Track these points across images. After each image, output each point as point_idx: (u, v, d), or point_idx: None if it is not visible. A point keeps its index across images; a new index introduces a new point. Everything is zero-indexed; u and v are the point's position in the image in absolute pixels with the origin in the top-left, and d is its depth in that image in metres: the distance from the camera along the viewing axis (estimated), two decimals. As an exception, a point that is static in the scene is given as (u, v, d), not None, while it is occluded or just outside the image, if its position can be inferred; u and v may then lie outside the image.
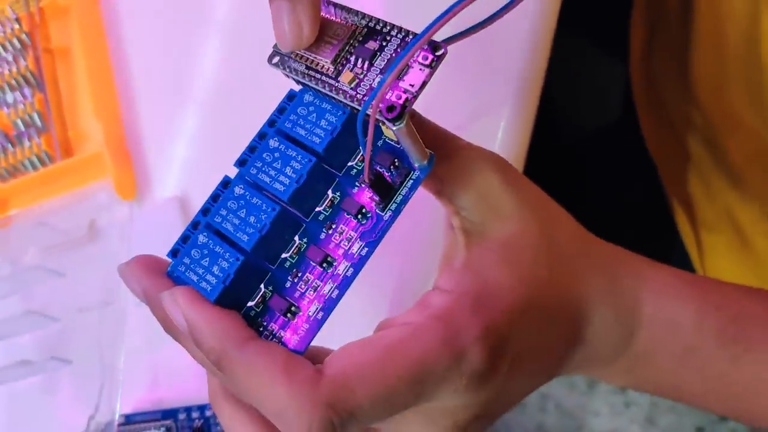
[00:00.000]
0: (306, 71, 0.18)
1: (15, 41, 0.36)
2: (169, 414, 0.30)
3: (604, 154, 0.52)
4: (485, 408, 0.19)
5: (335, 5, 0.18)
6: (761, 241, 0.42)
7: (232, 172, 0.19)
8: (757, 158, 0.39)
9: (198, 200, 0.19)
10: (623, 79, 0.51)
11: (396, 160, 0.18)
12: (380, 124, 0.17)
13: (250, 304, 0.18)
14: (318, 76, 0.18)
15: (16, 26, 0.36)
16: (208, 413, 0.30)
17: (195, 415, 0.30)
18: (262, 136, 0.19)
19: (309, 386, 0.16)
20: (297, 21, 0.17)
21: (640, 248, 0.23)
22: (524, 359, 0.20)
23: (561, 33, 0.33)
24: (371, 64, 0.17)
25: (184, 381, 0.31)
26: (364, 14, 0.18)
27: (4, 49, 0.36)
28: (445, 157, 0.20)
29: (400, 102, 0.16)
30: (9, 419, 0.32)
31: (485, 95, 0.28)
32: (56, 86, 0.36)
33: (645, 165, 0.49)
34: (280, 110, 0.19)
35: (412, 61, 0.17)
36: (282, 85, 0.20)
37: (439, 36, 0.16)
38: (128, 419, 0.30)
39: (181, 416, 0.30)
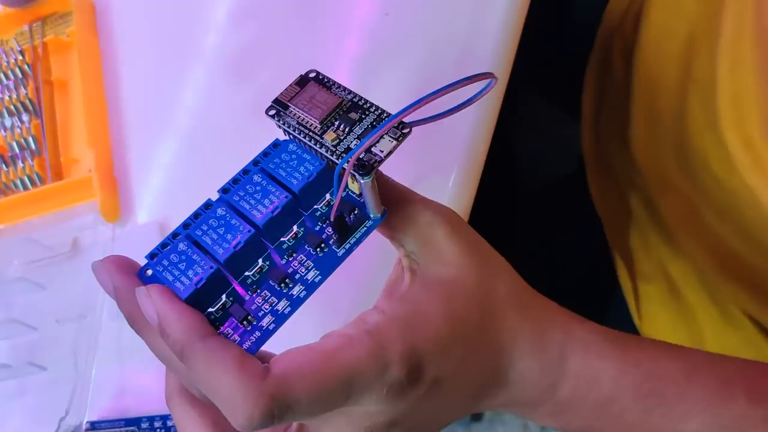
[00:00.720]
0: (297, 125, 0.22)
1: (17, 71, 0.39)
2: (132, 422, 0.32)
3: (555, 207, 0.56)
4: (400, 418, 0.22)
5: (330, 81, 0.22)
6: (691, 294, 0.46)
7: (214, 197, 0.22)
8: (686, 218, 0.43)
9: (176, 225, 0.22)
10: (577, 137, 0.55)
11: (356, 208, 0.22)
12: (351, 177, 0.21)
13: (210, 309, 0.21)
14: (306, 131, 0.21)
15: (20, 57, 0.39)
16: (169, 423, 0.33)
17: (157, 424, 0.33)
18: (245, 171, 0.22)
19: (257, 379, 0.19)
20: None
21: (584, 295, 0.26)
22: (443, 385, 0.23)
23: (523, 92, 0.37)
24: (351, 130, 0.21)
25: (149, 392, 0.33)
26: (351, 90, 0.22)
27: (6, 77, 0.39)
28: (399, 208, 0.23)
29: (370, 162, 0.20)
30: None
31: (439, 152, 0.32)
32: (53, 115, 0.39)
33: (592, 218, 0.54)
34: (265, 154, 0.22)
35: (392, 135, 0.20)
36: (258, 127, 0.24)
37: (408, 118, 0.20)
38: (93, 425, 0.33)
39: (144, 425, 0.33)
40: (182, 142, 0.38)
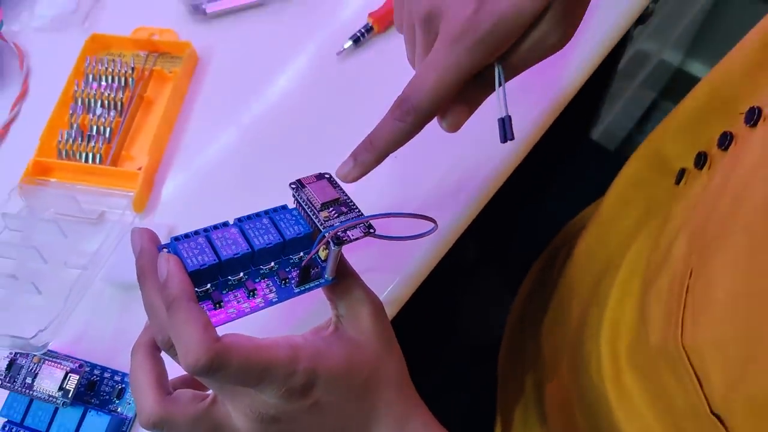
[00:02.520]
0: (306, 200, 0.33)
1: (123, 80, 0.51)
2: (83, 367, 0.40)
3: (464, 356, 0.66)
4: (282, 418, 0.31)
5: (337, 183, 0.34)
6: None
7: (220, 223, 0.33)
8: (562, 408, 0.51)
9: (181, 231, 0.31)
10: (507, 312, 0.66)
11: (318, 268, 0.32)
12: (326, 244, 0.31)
13: (197, 289, 0.30)
14: (309, 206, 0.32)
15: (129, 71, 0.51)
16: (108, 375, 0.40)
17: (106, 375, 0.40)
18: (258, 214, 0.33)
19: (211, 340, 0.28)
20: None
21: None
22: (322, 409, 0.31)
23: (485, 260, 0.47)
24: (338, 217, 0.32)
25: (107, 348, 0.41)
26: (347, 194, 0.33)
27: (113, 80, 0.51)
28: (345, 282, 0.34)
29: (342, 239, 0.31)
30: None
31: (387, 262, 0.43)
32: (132, 120, 0.51)
33: (493, 379, 0.63)
34: (275, 209, 0.33)
35: (357, 225, 0.31)
36: (274, 186, 0.35)
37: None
38: (51, 353, 0.41)
39: (96, 371, 0.40)
40: (212, 175, 0.49)
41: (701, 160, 0.40)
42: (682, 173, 0.43)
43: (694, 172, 0.41)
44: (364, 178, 0.35)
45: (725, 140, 0.37)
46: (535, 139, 0.47)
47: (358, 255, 0.35)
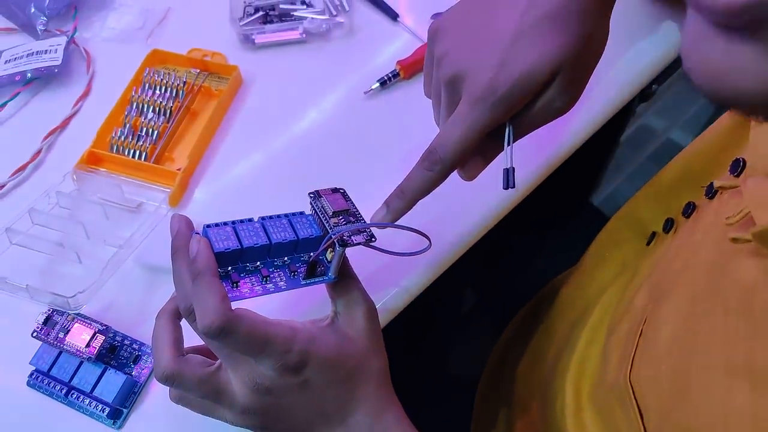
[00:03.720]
0: (320, 208, 0.39)
1: (174, 91, 0.58)
2: (108, 331, 0.46)
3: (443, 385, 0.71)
4: (274, 390, 0.36)
5: (349, 197, 0.40)
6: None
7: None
8: None
9: None
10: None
11: (323, 266, 0.38)
12: (332, 246, 0.37)
13: (219, 270, 0.36)
14: (323, 212, 0.38)
15: (181, 84, 0.59)
16: (135, 346, 0.46)
17: (126, 342, 0.46)
18: (279, 216, 0.39)
19: (226, 308, 0.33)
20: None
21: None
22: (309, 388, 0.36)
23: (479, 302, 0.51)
24: (346, 223, 0.38)
25: (131, 319, 0.47)
26: (356, 207, 0.39)
27: (167, 90, 0.58)
28: (345, 282, 0.39)
29: (347, 241, 0.37)
30: (17, 267, 0.47)
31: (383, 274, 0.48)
32: (177, 127, 0.57)
33: (469, 410, 0.67)
34: (293, 213, 0.39)
35: (361, 233, 0.37)
36: (295, 196, 0.41)
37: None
38: (83, 315, 0.46)
39: (118, 337, 0.46)
40: (241, 183, 0.55)
41: (669, 225, 0.46)
42: (653, 236, 0.49)
43: (662, 236, 0.47)
44: (375, 197, 0.41)
45: (689, 209, 0.43)
46: (529, 191, 0.54)
47: (362, 263, 0.41)
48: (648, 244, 0.49)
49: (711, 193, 0.39)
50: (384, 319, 0.47)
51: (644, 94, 0.68)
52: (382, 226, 0.40)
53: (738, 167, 0.35)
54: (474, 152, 0.40)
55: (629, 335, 0.40)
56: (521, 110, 0.39)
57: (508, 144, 0.39)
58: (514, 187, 0.40)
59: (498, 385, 0.66)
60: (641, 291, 0.43)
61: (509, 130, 0.39)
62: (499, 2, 0.38)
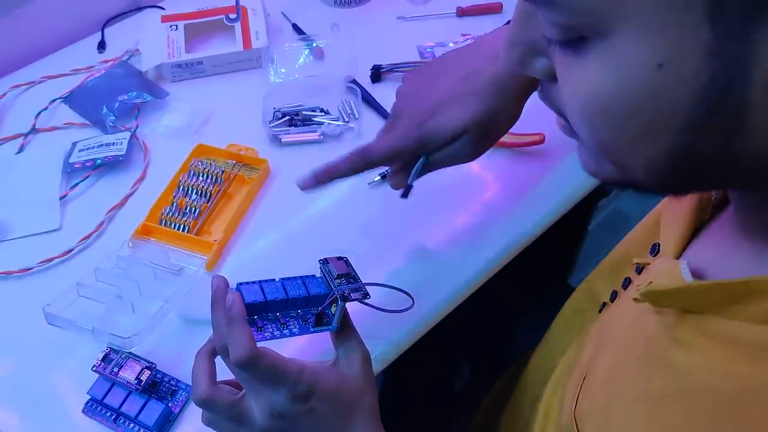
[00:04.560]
0: (327, 271, 0.50)
1: (214, 178, 0.72)
2: (153, 368, 0.56)
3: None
4: (286, 416, 0.45)
5: (351, 265, 0.51)
6: None
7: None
8: None
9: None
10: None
11: (328, 318, 0.49)
12: (335, 300, 0.48)
13: (248, 317, 0.47)
14: (329, 275, 0.50)
15: (220, 172, 0.72)
16: (167, 379, 0.56)
17: (165, 379, 0.56)
18: (295, 277, 0.50)
19: (252, 346, 0.44)
20: None
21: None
22: (314, 415, 0.46)
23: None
24: (347, 284, 0.49)
25: (174, 362, 0.58)
26: (356, 271, 0.50)
27: (208, 177, 0.72)
28: (345, 331, 0.50)
29: (347, 297, 0.48)
30: (83, 314, 0.59)
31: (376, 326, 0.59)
32: (215, 207, 0.70)
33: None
34: (307, 276, 0.51)
35: (359, 291, 0.49)
36: (309, 267, 0.52)
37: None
38: (134, 354, 0.57)
39: (159, 375, 0.56)
40: (265, 252, 0.67)
41: (613, 296, 0.56)
42: (603, 305, 0.59)
43: (609, 305, 0.58)
44: (371, 265, 0.53)
45: (626, 283, 0.54)
46: (507, 260, 0.65)
47: (360, 320, 0.52)
48: (600, 311, 0.60)
49: (639, 270, 0.50)
50: (376, 369, 0.57)
51: (603, 191, 0.80)
52: (371, 284, 0.51)
53: (655, 249, 0.46)
54: (399, 169, 0.57)
55: (578, 381, 0.50)
56: (437, 149, 0.54)
57: (416, 172, 0.54)
58: (406, 197, 0.57)
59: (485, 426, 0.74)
60: (588, 347, 0.53)
61: (423, 161, 0.54)
62: (441, 75, 0.54)
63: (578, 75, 0.27)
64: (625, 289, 0.54)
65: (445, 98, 0.52)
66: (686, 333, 0.35)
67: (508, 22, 0.57)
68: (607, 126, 0.27)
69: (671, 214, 0.44)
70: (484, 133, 0.53)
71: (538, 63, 0.32)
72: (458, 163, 0.55)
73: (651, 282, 0.41)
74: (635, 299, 0.41)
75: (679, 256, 0.41)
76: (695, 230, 0.41)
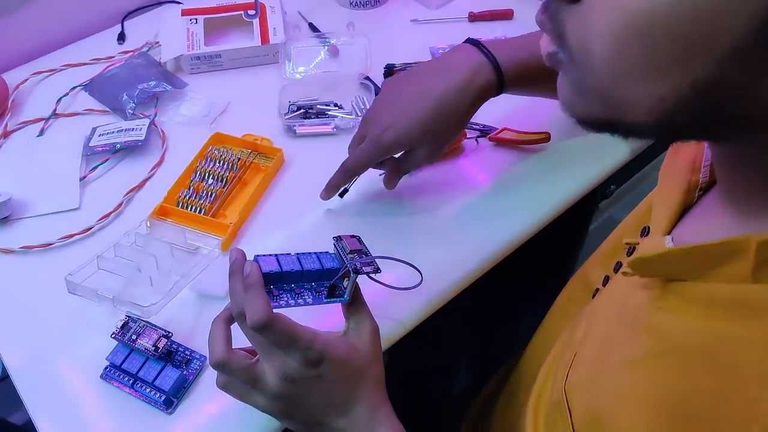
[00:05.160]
0: (341, 247, 0.53)
1: (230, 164, 0.74)
2: (169, 336, 0.58)
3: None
4: (297, 379, 0.47)
5: (362, 242, 0.54)
6: None
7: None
8: None
9: None
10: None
11: (340, 290, 0.52)
12: (347, 273, 0.51)
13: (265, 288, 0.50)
14: (342, 250, 0.52)
15: (236, 160, 0.75)
16: (182, 349, 0.58)
17: (180, 348, 0.59)
18: (310, 253, 0.52)
19: (268, 310, 0.46)
20: None
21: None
22: (324, 380, 0.49)
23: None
24: (359, 258, 0.52)
25: (187, 332, 0.60)
26: (368, 248, 0.53)
27: (225, 163, 0.74)
28: (356, 304, 0.52)
29: (359, 270, 0.50)
30: (103, 285, 0.61)
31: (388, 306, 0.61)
32: (231, 192, 0.73)
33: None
34: (321, 252, 0.53)
35: (370, 265, 0.51)
36: (319, 243, 0.55)
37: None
38: (151, 324, 0.59)
39: (174, 345, 0.59)
40: (278, 235, 0.69)
41: (605, 281, 0.59)
42: (596, 291, 0.62)
43: (602, 289, 0.60)
44: (381, 248, 0.55)
45: (617, 267, 0.56)
46: (513, 248, 0.67)
47: (370, 298, 0.54)
48: (593, 297, 0.62)
49: (630, 252, 0.53)
50: (384, 345, 0.59)
51: (604, 193, 0.83)
52: (382, 257, 0.53)
53: (645, 231, 0.49)
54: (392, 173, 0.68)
55: (569, 359, 0.52)
56: (403, 155, 0.65)
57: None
58: (342, 197, 0.70)
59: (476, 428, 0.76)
60: (580, 326, 0.56)
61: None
62: (401, 92, 0.64)
63: None
64: (615, 272, 0.57)
65: (400, 115, 0.62)
66: (669, 301, 0.37)
67: (470, 40, 0.65)
68: (642, 47, 0.27)
69: (660, 197, 0.47)
70: (434, 143, 0.64)
71: None
72: (418, 168, 0.67)
73: (639, 256, 0.44)
74: (623, 273, 0.43)
75: (667, 235, 0.44)
76: (683, 212, 0.44)
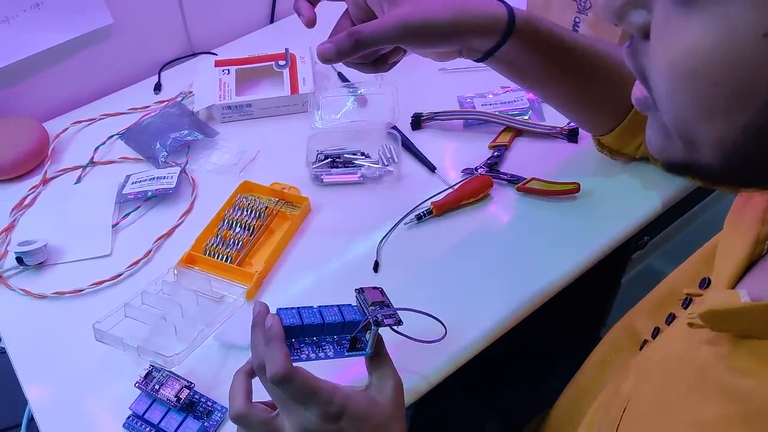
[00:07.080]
0: (363, 299, 0.52)
1: (258, 213, 0.75)
2: (192, 387, 0.58)
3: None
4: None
5: (385, 294, 0.53)
6: None
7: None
8: None
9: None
10: None
11: (362, 343, 0.51)
12: (368, 326, 0.50)
13: (285, 340, 0.49)
14: (364, 302, 0.52)
15: (263, 208, 0.76)
16: (215, 405, 0.58)
17: (202, 399, 0.59)
18: (332, 305, 0.52)
19: (289, 364, 0.46)
20: None
21: None
22: None
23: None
24: (380, 310, 0.51)
25: (209, 382, 0.60)
26: (390, 300, 0.53)
27: (251, 212, 0.75)
28: (379, 357, 0.52)
29: (380, 323, 0.50)
30: (128, 334, 0.62)
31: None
32: (257, 240, 0.74)
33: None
34: (343, 304, 0.53)
35: (392, 317, 0.51)
36: (343, 294, 0.54)
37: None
38: (174, 374, 0.59)
39: (197, 395, 0.59)
40: (301, 285, 0.69)
41: (656, 332, 0.57)
42: (644, 343, 0.60)
43: (651, 341, 0.58)
44: (405, 297, 0.55)
45: (670, 318, 0.54)
46: (538, 305, 0.66)
47: (394, 352, 0.54)
48: (640, 349, 0.60)
49: (686, 304, 0.51)
50: (408, 399, 0.58)
51: (638, 244, 0.81)
52: (404, 309, 0.53)
53: (705, 283, 0.47)
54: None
55: (618, 413, 0.50)
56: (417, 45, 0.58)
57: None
58: (376, 271, 0.67)
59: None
60: (627, 380, 0.54)
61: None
62: None
63: (677, 30, 0.27)
64: (668, 324, 0.54)
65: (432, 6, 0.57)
66: (743, 360, 0.35)
67: None
68: (692, 90, 0.27)
69: (725, 248, 0.45)
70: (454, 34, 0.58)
71: (637, 16, 0.31)
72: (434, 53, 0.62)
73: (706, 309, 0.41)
74: (690, 324, 0.39)
75: (731, 288, 0.41)
76: (748, 266, 0.42)
